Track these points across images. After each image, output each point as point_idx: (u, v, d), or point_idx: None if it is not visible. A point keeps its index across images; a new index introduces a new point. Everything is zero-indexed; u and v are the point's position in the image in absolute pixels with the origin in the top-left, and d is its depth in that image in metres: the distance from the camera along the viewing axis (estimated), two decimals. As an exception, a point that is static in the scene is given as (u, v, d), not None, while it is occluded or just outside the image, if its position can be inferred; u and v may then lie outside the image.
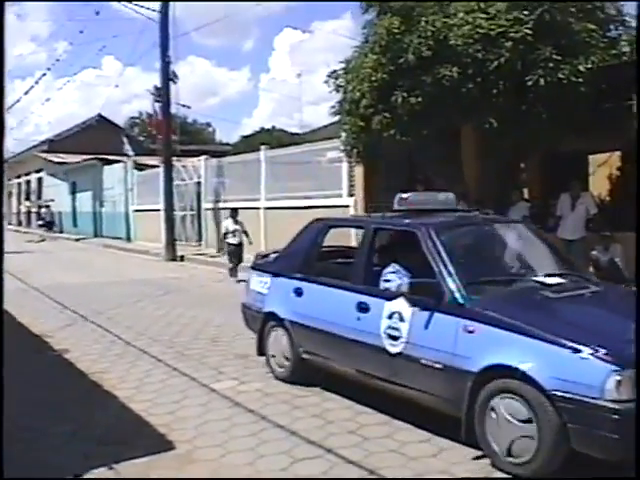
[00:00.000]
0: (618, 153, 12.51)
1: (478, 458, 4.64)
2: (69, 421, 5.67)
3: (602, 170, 12.92)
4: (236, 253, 15.07)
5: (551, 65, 9.69)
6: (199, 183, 22.78)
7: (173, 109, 21.91)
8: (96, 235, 32.20)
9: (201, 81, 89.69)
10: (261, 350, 7.15)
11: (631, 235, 10.52)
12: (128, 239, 28.42)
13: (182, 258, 20.56)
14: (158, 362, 7.58)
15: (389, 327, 5.29)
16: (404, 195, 6.40)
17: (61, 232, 36.77)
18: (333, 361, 6.13)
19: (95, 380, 6.91)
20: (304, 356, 6.46)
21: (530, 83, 9.78)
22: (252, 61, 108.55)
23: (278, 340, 6.80)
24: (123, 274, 17.04)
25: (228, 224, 15.34)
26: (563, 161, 11.95)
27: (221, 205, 21.05)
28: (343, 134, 12.57)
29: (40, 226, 39.00)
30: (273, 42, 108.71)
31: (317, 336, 6.24)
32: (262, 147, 19.49)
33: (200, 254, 20.88)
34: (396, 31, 10.41)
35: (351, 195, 15.34)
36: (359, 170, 14.89)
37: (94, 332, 9.41)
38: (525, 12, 9.84)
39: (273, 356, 6.93)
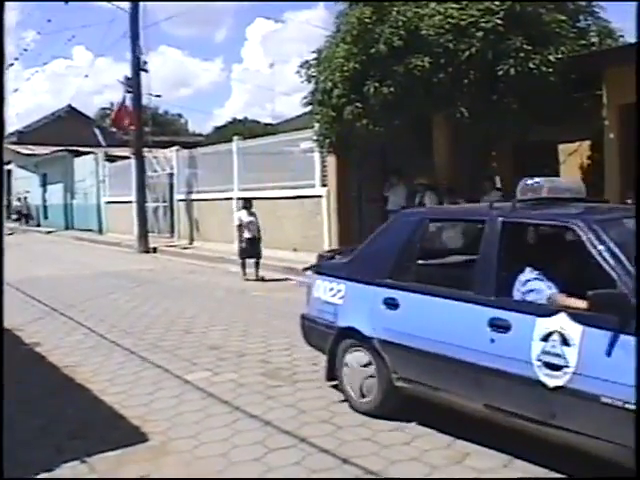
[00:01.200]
0: (588, 142, 12.62)
1: (448, 445, 4.69)
2: (40, 415, 5.63)
3: (572, 159, 13.03)
4: (251, 248, 13.83)
5: (522, 55, 9.79)
6: (171, 174, 22.64)
7: (144, 100, 21.74)
8: (67, 228, 31.89)
9: (173, 71, 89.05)
10: (332, 373, 5.81)
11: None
12: (100, 231, 28.19)
13: (155, 250, 20.46)
14: (131, 354, 7.54)
15: (545, 352, 4.07)
16: (532, 181, 5.02)
17: (38, 225, 35.89)
18: (447, 392, 4.80)
19: (67, 373, 6.86)
20: (399, 384, 5.14)
21: (501, 73, 9.86)
22: (225, 51, 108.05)
23: (360, 363, 5.46)
24: (95, 266, 16.91)
25: (242, 216, 14.10)
26: (534, 150, 12.04)
27: (194, 197, 20.95)
28: (316, 124, 12.58)
29: (15, 220, 38.01)
30: (245, 32, 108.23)
31: (422, 360, 4.92)
32: (235, 138, 19.41)
33: (173, 246, 20.79)
34: (368, 21, 10.44)
35: (324, 185, 15.34)
36: (332, 160, 14.89)
37: (66, 325, 9.33)
38: (496, 2, 9.93)
39: (351, 383, 5.57)
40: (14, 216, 38.47)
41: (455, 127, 11.36)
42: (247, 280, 13.45)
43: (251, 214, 14.08)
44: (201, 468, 4.49)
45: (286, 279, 13.39)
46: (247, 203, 14.43)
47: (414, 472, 4.33)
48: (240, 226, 13.96)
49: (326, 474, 4.33)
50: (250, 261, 13.90)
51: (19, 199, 38.92)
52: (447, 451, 4.63)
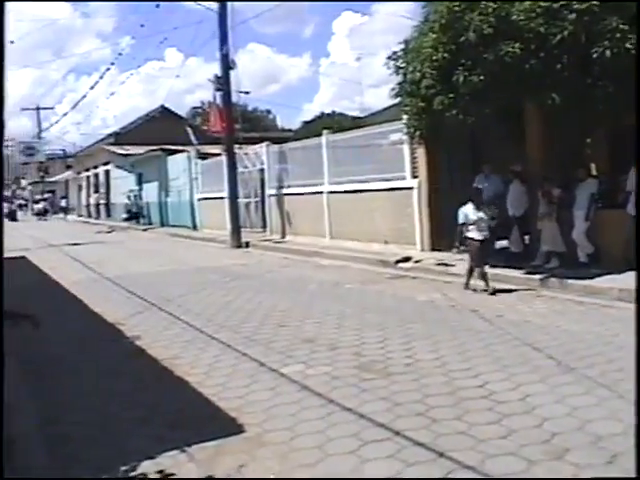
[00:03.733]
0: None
1: (546, 441, 4.58)
2: (142, 406, 5.82)
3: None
4: (480, 252, 10.81)
5: (617, 36, 9.41)
6: (262, 170, 22.92)
7: (234, 97, 22.09)
8: (162, 224, 32.76)
9: (262, 68, 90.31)
10: None
11: None
12: (194, 227, 28.84)
13: (247, 245, 20.77)
14: (227, 347, 7.68)
15: None
16: None
17: (150, 224, 34.31)
18: None
19: (166, 366, 7.05)
20: None
21: (595, 55, 9.52)
22: (312, 46, 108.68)
23: None
24: (190, 262, 17.32)
25: (468, 212, 10.86)
26: (630, 135, 11.60)
27: (284, 191, 21.15)
28: (405, 116, 12.48)
29: (125, 219, 37.05)
30: (332, 26, 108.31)
31: None
32: (324, 132, 19.48)
33: (265, 240, 21.05)
34: (457, 9, 10.27)
35: (414, 177, 15.22)
36: (421, 151, 14.77)
37: (164, 319, 9.59)
38: (589, -18, 9.56)
39: None
40: (124, 215, 37.57)
41: (547, 114, 11.06)
42: (474, 291, 10.75)
43: (478, 208, 10.88)
44: (296, 460, 4.54)
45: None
46: (475, 195, 11.32)
47: (511, 467, 4.25)
48: (463, 225, 10.87)
49: (421, 467, 4.30)
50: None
51: (129, 197, 37.75)
52: (545, 446, 4.52)
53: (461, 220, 10.79)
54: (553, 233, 11.58)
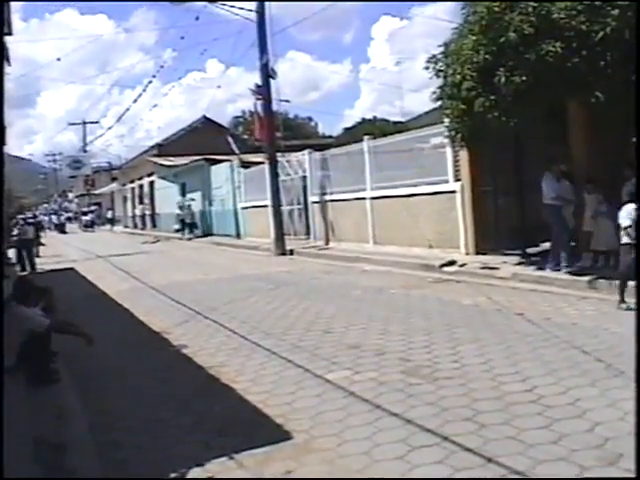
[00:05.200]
0: None
1: (599, 446, 4.50)
2: (190, 413, 5.87)
3: None
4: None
5: (663, 31, 9.23)
6: (304, 177, 22.99)
7: (274, 105, 22.21)
8: (206, 234, 33.01)
9: (302, 76, 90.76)
10: None
11: None
12: (238, 236, 29.03)
13: (292, 252, 20.83)
14: (272, 354, 7.71)
15: None
16: None
17: (205, 235, 32.83)
18: None
19: (212, 374, 7.11)
20: None
21: (640, 52, 9.35)
22: (352, 52, 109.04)
23: None
24: (235, 270, 17.44)
25: (631, 212, 9.00)
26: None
27: (327, 198, 21.18)
28: (446, 119, 12.41)
29: (177, 230, 34.89)
30: (371, 31, 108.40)
31: None
32: (365, 137, 19.48)
33: (309, 247, 21.09)
34: (496, 9, 10.19)
35: (457, 180, 15.12)
36: (464, 154, 14.66)
37: (209, 327, 9.67)
38: (632, -23, 9.41)
39: None
40: (176, 226, 35.24)
41: (591, 113, 10.90)
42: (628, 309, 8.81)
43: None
44: (344, 466, 4.53)
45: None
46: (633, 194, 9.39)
47: (562, 473, 4.18)
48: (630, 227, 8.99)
49: (470, 473, 4.25)
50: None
51: (181, 207, 34.91)
52: (598, 451, 4.43)
53: (629, 222, 9.03)
54: (609, 232, 11.37)
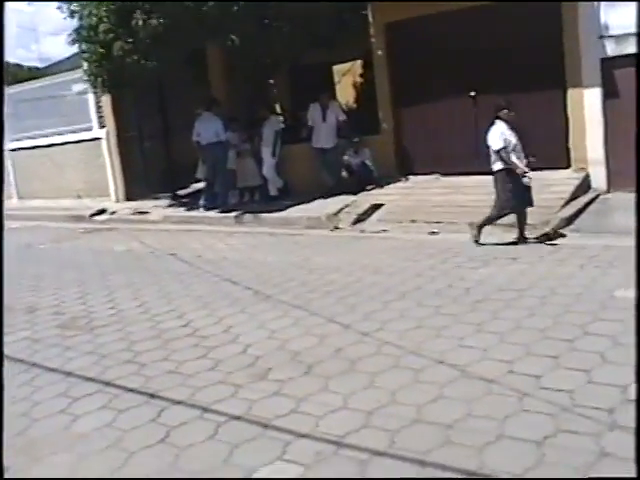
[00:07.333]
0: (359, 61, 13.12)
1: (251, 364, 4.82)
2: None
3: (346, 79, 13.51)
4: (528, 189, 7.90)
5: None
6: None
7: None
8: None
9: None
10: None
11: (375, 138, 11.28)
12: None
13: None
14: None
15: None
16: None
17: None
18: None
19: None
20: None
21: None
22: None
23: None
24: None
25: (505, 132, 7.80)
26: (309, 73, 12.32)
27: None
28: (84, 63, 11.96)
29: None
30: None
31: None
32: (-3, 84, 18.01)
33: None
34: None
35: (102, 127, 14.77)
36: (107, 100, 14.34)
37: None
38: None
39: None
40: None
41: (229, 56, 11.31)
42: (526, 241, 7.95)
43: (513, 128, 7.89)
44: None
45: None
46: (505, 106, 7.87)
47: (220, 394, 4.37)
48: (504, 149, 7.69)
49: (133, 412, 4.29)
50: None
51: None
52: (250, 369, 4.75)
53: (502, 144, 7.68)
54: (252, 169, 12.03)
